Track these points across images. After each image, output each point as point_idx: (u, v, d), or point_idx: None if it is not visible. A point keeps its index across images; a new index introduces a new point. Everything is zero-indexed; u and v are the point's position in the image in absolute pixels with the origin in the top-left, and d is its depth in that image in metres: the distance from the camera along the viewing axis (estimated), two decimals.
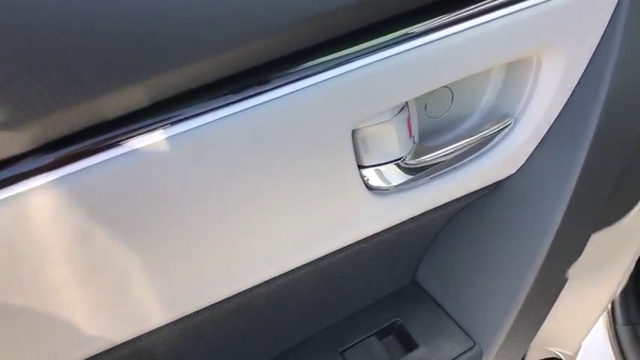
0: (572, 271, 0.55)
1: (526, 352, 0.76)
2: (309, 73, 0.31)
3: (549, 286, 0.46)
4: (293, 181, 0.33)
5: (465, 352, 0.46)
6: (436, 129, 0.42)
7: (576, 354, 0.83)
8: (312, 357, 0.46)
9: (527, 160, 0.44)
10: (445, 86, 0.41)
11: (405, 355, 0.46)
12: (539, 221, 0.43)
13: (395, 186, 0.38)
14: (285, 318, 0.46)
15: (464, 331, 0.47)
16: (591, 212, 0.44)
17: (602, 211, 0.46)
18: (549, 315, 0.72)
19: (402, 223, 0.43)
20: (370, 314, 0.49)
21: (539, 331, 0.77)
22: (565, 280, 0.48)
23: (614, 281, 0.68)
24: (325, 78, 0.31)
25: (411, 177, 0.39)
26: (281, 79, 0.31)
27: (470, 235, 0.48)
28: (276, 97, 0.31)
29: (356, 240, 0.39)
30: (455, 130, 0.42)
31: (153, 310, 0.34)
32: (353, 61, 0.32)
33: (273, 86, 0.31)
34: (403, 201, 0.39)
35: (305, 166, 0.33)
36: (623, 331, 0.93)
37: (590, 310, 0.74)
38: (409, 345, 0.47)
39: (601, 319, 0.94)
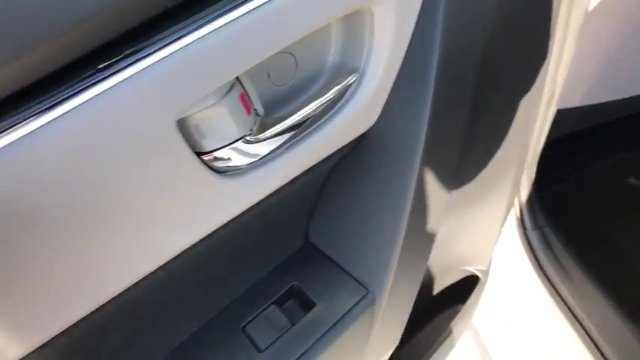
0: (454, 202, 0.58)
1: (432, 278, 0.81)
2: (112, 71, 0.29)
3: (423, 227, 0.48)
4: (132, 183, 0.32)
5: (359, 301, 0.48)
6: (286, 96, 0.41)
7: (489, 267, 0.89)
8: (213, 337, 0.47)
9: (384, 109, 0.44)
10: (286, 51, 0.40)
11: (304, 317, 0.47)
12: (402, 164, 0.44)
13: (248, 164, 0.38)
14: (178, 308, 0.46)
15: (357, 281, 0.49)
16: (450, 147, 0.46)
17: (465, 143, 0.48)
18: (461, 236, 0.77)
19: (277, 190, 0.43)
20: (267, 283, 0.50)
21: (453, 253, 0.82)
22: (438, 220, 0.50)
23: (505, 195, 0.72)
24: (134, 72, 0.30)
25: (262, 152, 0.38)
26: (86, 80, 0.29)
27: (349, 187, 0.49)
28: (88, 100, 0.29)
29: (221, 224, 0.39)
30: (305, 94, 0.42)
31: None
32: (160, 50, 0.30)
33: (81, 87, 0.29)
34: (262, 175, 0.39)
35: (139, 166, 0.32)
36: (533, 235, 1.01)
37: (490, 227, 0.79)
38: (307, 306, 0.49)
39: (513, 226, 1.01)
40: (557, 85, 0.86)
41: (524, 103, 0.60)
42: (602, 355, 0.88)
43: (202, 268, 0.45)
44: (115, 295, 0.35)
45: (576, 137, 1.19)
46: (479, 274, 0.86)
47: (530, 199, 1.01)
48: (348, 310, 0.47)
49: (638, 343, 0.88)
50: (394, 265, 0.46)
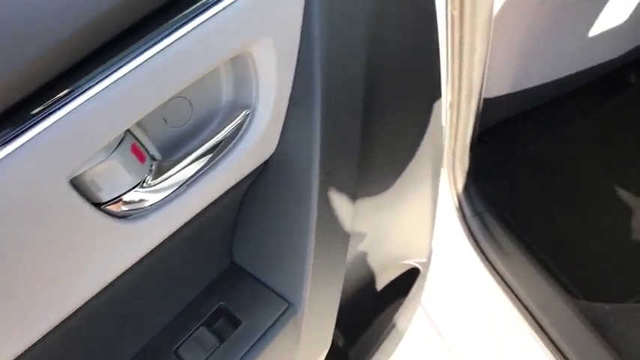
0: (368, 208, 0.62)
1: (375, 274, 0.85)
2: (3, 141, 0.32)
3: (332, 236, 0.52)
4: (33, 242, 0.35)
5: (282, 314, 0.51)
6: (184, 136, 0.44)
7: (429, 258, 0.94)
8: None
9: (282, 137, 0.48)
10: (179, 96, 0.43)
11: (231, 335, 0.51)
12: (303, 182, 0.48)
13: (150, 205, 0.41)
14: (110, 338, 0.49)
15: (279, 295, 0.53)
16: (347, 161, 0.49)
17: (366, 153, 0.52)
18: (393, 233, 0.81)
19: (192, 221, 0.46)
20: (197, 306, 0.53)
21: (390, 250, 0.86)
22: (346, 228, 0.54)
23: (426, 191, 0.76)
24: (24, 141, 0.32)
25: (162, 193, 0.41)
26: None
27: (262, 208, 0.52)
28: None
29: (132, 263, 0.42)
30: (203, 132, 0.45)
31: None
32: (47, 117, 0.33)
33: None
34: (167, 214, 0.42)
35: (38, 225, 0.34)
36: (473, 222, 1.06)
37: (420, 221, 0.84)
38: (234, 324, 0.52)
39: (454, 215, 1.06)
40: (475, 79, 0.91)
41: (422, 106, 0.64)
42: (542, 329, 0.94)
43: (131, 300, 0.48)
44: (26, 347, 0.38)
45: (509, 123, 1.25)
46: (419, 267, 0.91)
47: (467, 188, 1.06)
48: (272, 324, 0.51)
49: (575, 315, 0.94)
50: (309, 276, 0.50)
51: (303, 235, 0.49)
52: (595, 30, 1.11)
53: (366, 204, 0.60)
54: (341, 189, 0.49)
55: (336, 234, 0.52)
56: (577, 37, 1.12)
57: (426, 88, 0.62)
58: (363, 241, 0.70)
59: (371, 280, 0.87)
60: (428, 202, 0.77)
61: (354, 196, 0.52)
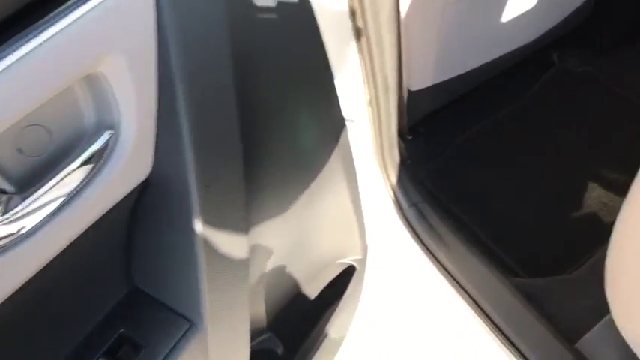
0: (278, 215, 0.62)
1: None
2: None
3: (225, 249, 0.52)
4: None
5: (184, 334, 0.50)
6: (45, 165, 0.43)
7: (365, 254, 0.94)
8: None
9: (159, 155, 0.47)
10: (32, 124, 0.41)
11: None
12: (185, 199, 0.47)
13: (7, 242, 0.39)
14: None
15: (181, 315, 0.52)
16: (229, 172, 0.49)
17: (254, 165, 0.52)
18: (317, 235, 0.81)
19: (70, 251, 0.44)
20: (98, 335, 0.52)
21: (320, 252, 0.86)
22: (240, 240, 0.53)
23: (343, 190, 0.76)
24: None
25: (21, 226, 0.39)
26: None
27: (152, 229, 0.51)
28: None
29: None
30: (66, 159, 0.43)
31: None
32: None
33: None
34: (30, 248, 0.40)
35: None
36: (410, 212, 1.07)
37: (346, 220, 0.84)
38: (136, 350, 0.51)
39: (390, 208, 1.07)
40: (390, 75, 0.92)
41: (317, 106, 0.64)
42: (483, 311, 0.95)
43: (23, 333, 0.46)
44: None
45: (441, 113, 1.27)
46: (355, 264, 0.91)
47: (401, 180, 1.07)
48: (174, 346, 0.50)
49: (513, 295, 0.95)
50: (205, 291, 0.49)
51: (192, 251, 0.48)
52: (511, 13, 1.14)
53: (272, 210, 0.60)
54: (225, 200, 0.49)
55: (229, 245, 0.51)
56: (493, 22, 1.14)
57: (317, 88, 0.62)
58: (284, 247, 0.69)
59: (307, 284, 0.86)
60: (347, 200, 0.77)
61: (243, 206, 0.51)
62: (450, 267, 1.01)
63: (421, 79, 1.13)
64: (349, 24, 0.81)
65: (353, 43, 0.84)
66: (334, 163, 0.68)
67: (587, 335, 0.91)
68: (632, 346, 0.80)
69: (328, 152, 0.65)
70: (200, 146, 0.45)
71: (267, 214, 0.59)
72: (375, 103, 0.91)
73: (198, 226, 0.47)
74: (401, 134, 1.16)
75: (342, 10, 0.80)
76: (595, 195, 1.15)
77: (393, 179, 1.06)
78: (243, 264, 0.55)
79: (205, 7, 0.43)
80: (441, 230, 1.06)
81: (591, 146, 1.24)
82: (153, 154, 0.46)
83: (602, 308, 0.85)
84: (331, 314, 0.86)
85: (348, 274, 0.91)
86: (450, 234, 1.05)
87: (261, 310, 0.74)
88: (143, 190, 0.49)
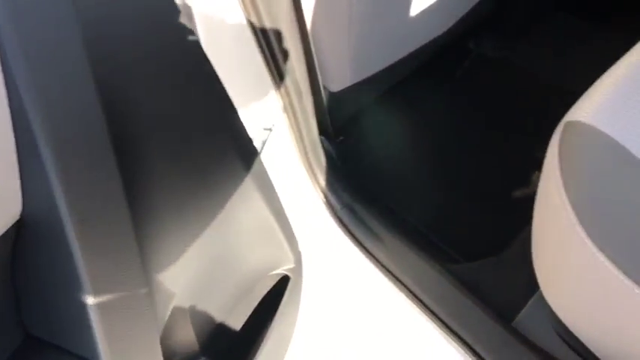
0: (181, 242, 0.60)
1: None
2: None
3: (117, 281, 0.49)
4: None
5: None
6: None
7: (298, 262, 0.94)
8: None
9: (27, 194, 0.44)
10: None
11: None
12: (62, 237, 0.44)
13: None
14: None
15: (81, 358, 0.49)
16: (107, 203, 0.47)
17: (143, 190, 0.50)
18: (238, 251, 0.79)
19: None
20: None
21: (250, 267, 0.85)
22: (136, 274, 0.51)
23: (257, 204, 0.75)
24: None
25: None
26: None
27: (38, 269, 0.49)
28: None
29: None
30: None
31: None
32: None
33: None
34: None
35: None
36: (343, 213, 1.07)
37: (269, 232, 0.83)
38: None
39: (323, 211, 1.06)
40: (302, 80, 0.92)
41: (209, 119, 0.62)
42: (422, 302, 0.96)
43: None
44: None
45: (368, 111, 1.28)
46: (288, 274, 0.90)
47: (331, 182, 1.07)
48: None
49: (449, 283, 0.97)
50: (101, 331, 0.47)
51: (79, 289, 0.45)
52: (420, 4, 1.16)
53: (177, 235, 0.58)
54: (108, 232, 0.47)
55: (122, 278, 0.49)
56: (405, 16, 1.16)
57: (211, 103, 0.60)
58: (202, 269, 0.67)
59: (239, 301, 0.84)
60: (266, 212, 0.76)
61: (131, 235, 0.49)
62: (387, 263, 1.02)
63: (340, 79, 1.14)
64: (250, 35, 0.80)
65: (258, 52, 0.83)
66: (243, 177, 0.67)
67: (522, 312, 0.93)
68: (560, 317, 0.83)
69: (232, 168, 0.64)
70: (68, 180, 0.42)
71: (171, 240, 0.57)
72: (290, 109, 0.91)
73: (81, 263, 0.44)
74: (328, 136, 1.16)
75: (241, 21, 0.79)
76: (520, 175, 1.19)
77: (322, 182, 1.06)
78: (144, 296, 0.53)
79: (53, 29, 0.41)
80: (376, 228, 1.06)
81: (513, 129, 1.28)
82: (21, 193, 0.43)
83: (533, 285, 0.87)
84: (268, 328, 0.84)
85: (282, 285, 0.90)
86: (385, 230, 1.06)
87: (189, 335, 0.72)
88: (19, 233, 0.46)
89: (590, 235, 0.67)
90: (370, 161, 1.28)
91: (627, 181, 0.70)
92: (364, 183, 1.25)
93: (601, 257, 0.66)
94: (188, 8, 0.58)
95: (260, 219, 0.77)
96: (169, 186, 0.55)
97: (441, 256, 1.09)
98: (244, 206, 0.70)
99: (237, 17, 0.77)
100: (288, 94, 0.88)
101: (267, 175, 0.75)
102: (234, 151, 0.64)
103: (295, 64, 0.86)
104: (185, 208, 0.59)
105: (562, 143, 0.77)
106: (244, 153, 0.67)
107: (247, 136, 0.69)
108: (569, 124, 0.78)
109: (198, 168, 0.60)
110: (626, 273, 0.63)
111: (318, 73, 1.01)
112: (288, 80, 0.87)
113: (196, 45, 0.57)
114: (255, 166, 0.71)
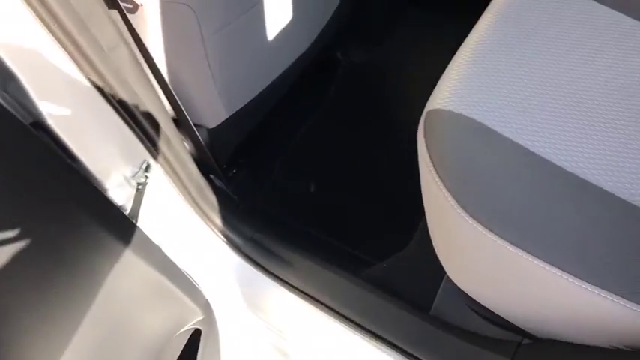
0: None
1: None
2: None
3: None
4: None
5: None
6: None
7: (207, 311, 0.90)
8: None
9: None
10: None
11: None
12: None
13: None
14: None
15: None
16: None
17: None
18: (138, 316, 0.74)
19: None
20: None
21: (154, 329, 0.80)
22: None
23: (135, 261, 0.71)
24: None
25: None
26: None
27: None
28: None
29: None
30: None
31: None
32: None
33: None
34: None
35: None
36: (248, 247, 1.04)
37: (158, 286, 0.78)
38: None
39: (227, 251, 1.03)
40: (166, 124, 0.88)
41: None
42: (344, 316, 0.95)
43: None
44: None
45: (254, 140, 1.27)
46: (198, 326, 0.86)
47: (228, 220, 1.04)
48: None
49: (367, 291, 0.96)
50: None
51: None
52: (277, 26, 1.17)
53: (51, 330, 0.52)
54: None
55: None
56: (263, 41, 1.17)
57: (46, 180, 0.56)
58: (95, 352, 0.62)
59: None
60: (152, 273, 0.72)
61: None
62: (302, 286, 1.00)
63: (214, 115, 1.12)
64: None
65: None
66: (113, 248, 0.63)
67: (436, 299, 0.96)
68: (468, 292, 0.85)
69: (98, 242, 0.60)
70: None
71: (48, 338, 0.51)
72: (162, 158, 0.88)
73: None
74: (216, 173, 1.13)
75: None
76: (408, 169, 1.23)
77: (219, 222, 1.03)
78: None
79: None
80: (285, 253, 1.05)
81: (395, 126, 1.33)
82: None
83: (441, 270, 0.90)
84: None
85: (196, 339, 0.85)
86: (294, 253, 1.04)
87: None
88: None
89: (466, 209, 0.71)
90: (268, 187, 1.27)
91: (489, 152, 0.74)
92: (265, 210, 1.24)
93: (479, 228, 0.70)
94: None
95: (148, 282, 0.72)
96: (24, 283, 0.49)
97: (352, 263, 1.10)
98: (126, 275, 0.66)
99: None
100: (154, 144, 0.84)
101: (146, 237, 0.71)
102: (96, 226, 0.60)
103: (155, 113, 0.83)
104: (51, 299, 0.53)
105: (427, 132, 0.80)
106: (109, 224, 0.62)
107: (109, 205, 0.65)
108: (430, 113, 0.82)
109: (54, 253, 0.55)
110: (507, 239, 0.66)
111: (186, 114, 0.98)
112: (150, 131, 0.83)
113: (14, 119, 0.53)
114: (127, 233, 0.67)
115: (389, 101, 1.38)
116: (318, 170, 1.30)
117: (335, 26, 1.36)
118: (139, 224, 0.76)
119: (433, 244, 0.90)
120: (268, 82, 1.22)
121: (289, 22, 1.19)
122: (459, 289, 0.87)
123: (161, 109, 0.84)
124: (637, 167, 0.70)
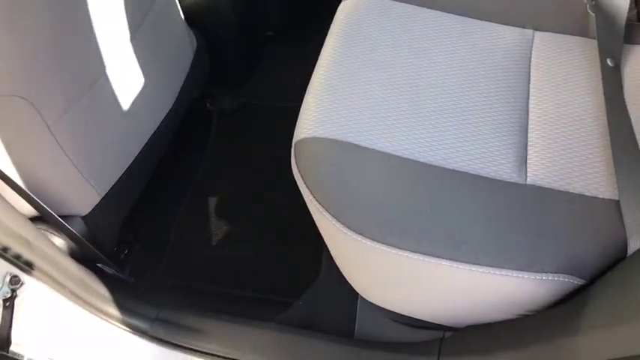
0: None
1: None
2: None
3: None
4: None
5: None
6: None
7: None
8: None
9: None
10: None
11: None
12: None
13: None
14: None
15: None
16: None
17: None
18: None
19: None
20: None
21: None
22: None
23: None
24: None
25: None
26: None
27: None
28: None
29: None
30: None
31: None
32: None
33: None
34: None
35: None
36: (155, 329, 0.96)
37: None
38: None
39: (134, 341, 0.95)
40: (20, 227, 0.81)
41: None
42: None
43: None
44: None
45: (137, 216, 1.20)
46: None
47: (127, 307, 0.96)
48: None
49: (291, 334, 0.92)
50: None
51: None
52: (129, 97, 1.12)
53: None
54: None
55: None
56: (117, 116, 1.11)
57: None
58: None
59: None
60: None
61: None
62: (221, 349, 0.95)
63: (85, 201, 1.04)
64: None
65: None
66: None
67: (357, 321, 0.95)
68: (382, 306, 0.86)
69: None
70: None
71: None
72: (26, 264, 0.79)
73: None
74: (103, 260, 1.05)
75: None
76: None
77: (115, 312, 0.94)
78: None
79: None
80: (196, 322, 0.99)
81: (278, 168, 1.33)
82: None
83: (353, 291, 0.89)
84: None
85: None
86: (206, 318, 0.99)
87: None
88: None
89: (351, 227, 0.71)
90: (166, 258, 1.21)
91: (358, 167, 0.76)
92: (168, 283, 1.17)
93: (367, 242, 0.70)
94: None
95: None
96: None
97: (269, 309, 1.06)
98: None
99: None
100: (8, 251, 0.76)
101: None
102: None
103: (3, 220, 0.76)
104: None
105: (298, 163, 0.81)
106: None
107: None
108: (297, 144, 0.83)
109: None
110: (394, 245, 0.68)
111: (49, 208, 0.90)
112: (4, 240, 0.75)
113: None
114: None
115: (267, 139, 1.38)
116: (214, 226, 1.26)
117: (198, 76, 1.34)
118: (12, 349, 0.67)
119: (339, 267, 0.89)
120: (138, 150, 1.16)
121: (143, 87, 1.15)
122: (375, 304, 0.87)
123: (10, 215, 0.76)
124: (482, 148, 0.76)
